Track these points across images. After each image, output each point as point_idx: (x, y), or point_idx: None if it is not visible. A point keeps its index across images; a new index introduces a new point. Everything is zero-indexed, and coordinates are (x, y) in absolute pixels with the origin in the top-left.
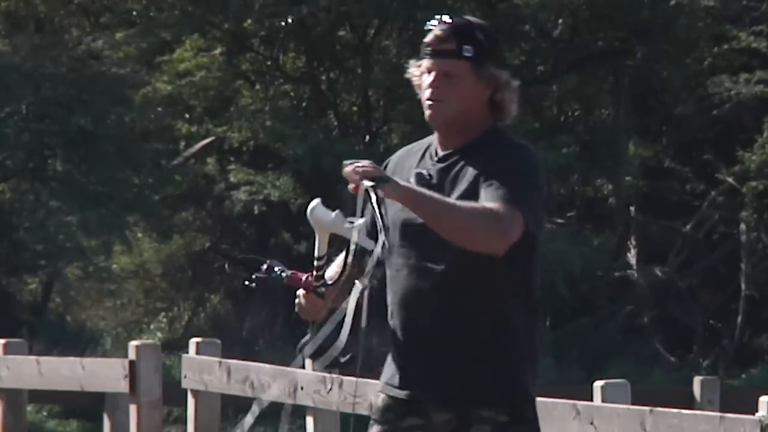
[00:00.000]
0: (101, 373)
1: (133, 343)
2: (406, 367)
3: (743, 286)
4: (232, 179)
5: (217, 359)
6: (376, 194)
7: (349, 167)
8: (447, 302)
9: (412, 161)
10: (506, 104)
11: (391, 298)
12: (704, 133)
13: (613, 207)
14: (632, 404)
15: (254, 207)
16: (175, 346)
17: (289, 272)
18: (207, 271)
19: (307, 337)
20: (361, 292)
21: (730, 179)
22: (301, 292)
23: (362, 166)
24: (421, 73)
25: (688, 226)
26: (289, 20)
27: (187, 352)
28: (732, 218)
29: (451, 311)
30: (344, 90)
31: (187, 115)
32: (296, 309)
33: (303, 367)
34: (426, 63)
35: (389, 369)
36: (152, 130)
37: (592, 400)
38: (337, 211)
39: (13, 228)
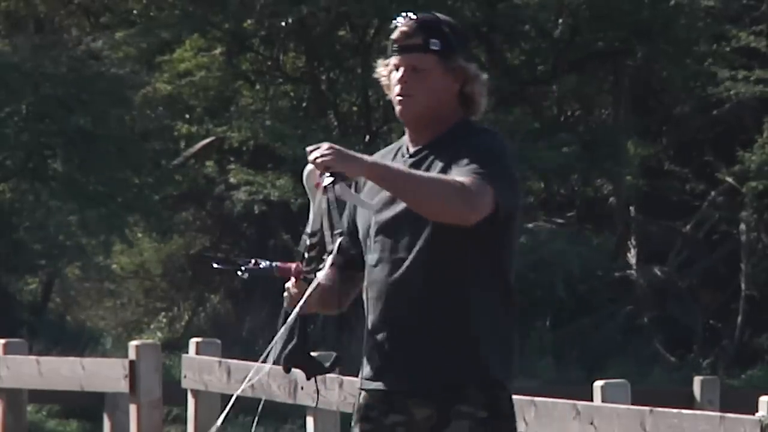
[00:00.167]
0: (101, 373)
1: (133, 343)
2: (385, 361)
3: (743, 286)
4: (231, 179)
5: (217, 359)
6: (334, 192)
7: (311, 157)
8: (421, 293)
9: (386, 162)
10: (476, 97)
11: (367, 294)
12: (704, 133)
13: (613, 207)
14: (632, 404)
15: (254, 207)
16: (175, 346)
17: (278, 263)
18: (207, 271)
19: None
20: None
21: (730, 179)
22: (290, 283)
23: (321, 156)
24: (389, 72)
25: (688, 226)
26: (289, 20)
27: (187, 352)
28: (732, 218)
29: (425, 302)
30: (344, 90)
31: (187, 115)
32: (285, 303)
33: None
34: (393, 60)
35: (367, 365)
36: (152, 130)
37: (592, 400)
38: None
39: (13, 228)
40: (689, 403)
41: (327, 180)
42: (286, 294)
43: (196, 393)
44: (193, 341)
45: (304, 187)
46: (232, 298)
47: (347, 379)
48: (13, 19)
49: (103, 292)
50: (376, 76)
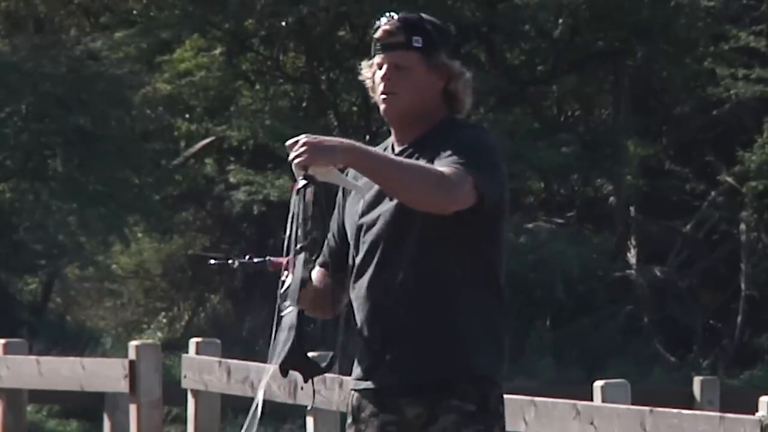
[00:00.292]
0: (101, 373)
1: (133, 343)
2: (374, 360)
3: (743, 286)
4: (231, 179)
5: (217, 359)
6: (305, 196)
7: (289, 158)
8: (409, 291)
9: (365, 147)
10: (460, 95)
11: (355, 294)
12: (704, 134)
13: (613, 207)
14: (632, 404)
15: (253, 207)
16: (175, 346)
17: (270, 258)
18: (207, 271)
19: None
20: (298, 316)
21: (730, 179)
22: (283, 277)
23: (297, 154)
24: (373, 72)
25: (688, 226)
26: (289, 20)
27: (187, 352)
28: (732, 218)
29: (414, 300)
30: (344, 90)
31: (187, 115)
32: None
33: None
34: (377, 58)
35: (358, 365)
36: (152, 130)
37: (592, 400)
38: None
39: (13, 228)
40: (689, 403)
41: (300, 183)
42: (279, 290)
43: (196, 393)
44: (193, 341)
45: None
46: (232, 298)
47: (347, 379)
48: (13, 19)
49: (103, 292)
50: (361, 78)
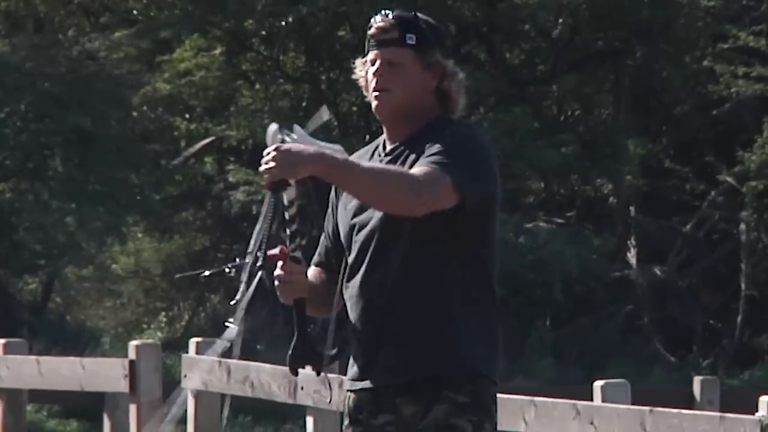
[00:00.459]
0: (101, 373)
1: (133, 342)
2: (368, 359)
3: (743, 286)
4: (231, 179)
5: (217, 359)
6: (275, 199)
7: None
8: (401, 290)
9: (364, 161)
10: (453, 94)
11: (348, 293)
12: (704, 133)
13: (613, 207)
14: (632, 404)
15: (252, 207)
16: (175, 345)
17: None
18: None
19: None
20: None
21: (730, 179)
22: (278, 270)
23: (267, 167)
24: (366, 70)
25: (688, 226)
26: (289, 20)
27: (187, 352)
28: (732, 218)
29: (406, 299)
30: (344, 90)
31: (187, 115)
32: (278, 294)
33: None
34: (370, 55)
35: (353, 365)
36: (152, 130)
37: (592, 400)
38: (296, 127)
39: (12, 228)
40: (689, 403)
41: (269, 188)
42: (276, 283)
43: (196, 393)
44: (193, 341)
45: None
46: (232, 298)
47: (348, 377)
48: (13, 19)
49: (103, 292)
50: (355, 77)
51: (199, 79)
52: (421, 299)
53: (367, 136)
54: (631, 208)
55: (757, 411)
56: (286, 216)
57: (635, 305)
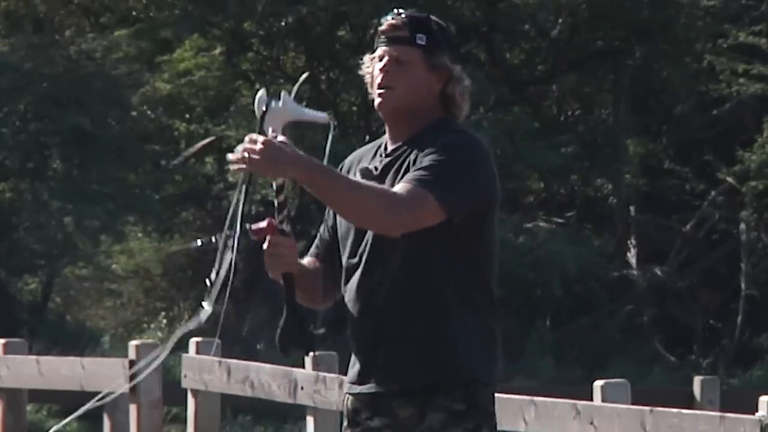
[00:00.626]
0: (101, 373)
1: (133, 342)
2: (365, 363)
3: (743, 285)
4: (230, 179)
5: (217, 359)
6: (247, 187)
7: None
8: (398, 294)
9: (364, 162)
10: (457, 99)
11: (347, 296)
12: (704, 133)
13: (612, 207)
14: (632, 404)
15: (252, 207)
16: (175, 345)
17: (251, 225)
18: (207, 271)
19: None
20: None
21: (730, 179)
22: (266, 243)
23: (250, 156)
24: (373, 66)
25: (688, 226)
26: (289, 20)
27: (187, 352)
28: (732, 218)
29: (402, 303)
30: (344, 90)
31: (187, 115)
32: (267, 269)
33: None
34: (378, 51)
35: (351, 369)
36: (152, 130)
37: (592, 399)
38: (283, 93)
39: (12, 228)
40: (689, 403)
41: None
42: (265, 259)
43: (196, 393)
44: (193, 341)
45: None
46: (232, 298)
47: (347, 378)
48: (13, 19)
49: (103, 292)
50: (361, 72)
51: (198, 79)
52: (418, 300)
53: (367, 137)
54: (631, 208)
55: (757, 411)
56: (274, 186)
57: (635, 305)
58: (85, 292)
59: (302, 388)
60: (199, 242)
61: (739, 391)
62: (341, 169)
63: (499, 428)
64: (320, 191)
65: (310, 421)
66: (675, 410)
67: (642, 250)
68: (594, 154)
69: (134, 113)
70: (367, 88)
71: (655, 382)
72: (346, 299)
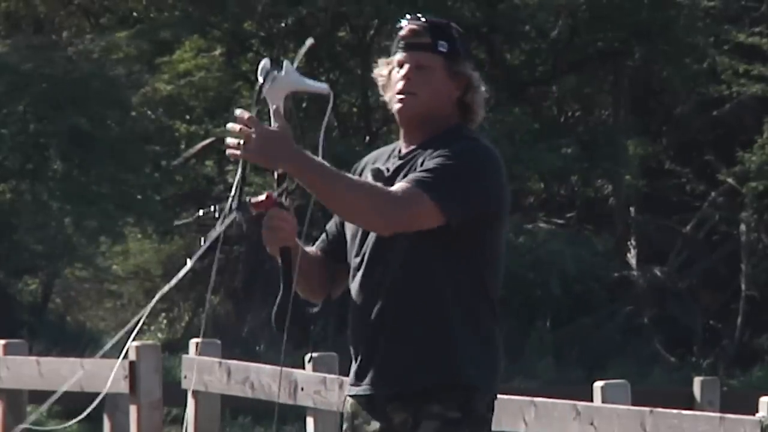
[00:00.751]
0: (101, 374)
1: (133, 343)
2: (364, 364)
3: (743, 286)
4: (231, 180)
5: (217, 360)
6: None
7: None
8: (398, 298)
9: (378, 163)
10: (474, 107)
11: (351, 295)
12: (704, 134)
13: (613, 207)
14: (632, 405)
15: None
16: (175, 346)
17: (251, 199)
18: (207, 272)
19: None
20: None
21: (730, 180)
22: (266, 217)
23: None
24: (390, 70)
25: (688, 227)
26: (289, 21)
27: (187, 353)
28: (732, 219)
29: (402, 307)
30: (344, 90)
31: (187, 116)
32: (264, 244)
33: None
34: (398, 56)
35: (351, 369)
36: (152, 131)
37: (592, 400)
38: (286, 63)
39: (12, 228)
40: (689, 403)
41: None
42: (264, 234)
43: (196, 393)
44: (193, 342)
45: (302, 189)
46: (232, 299)
47: (347, 379)
48: (13, 20)
49: (103, 293)
50: (374, 74)
51: (198, 80)
52: (416, 301)
53: (367, 137)
54: (631, 209)
55: (757, 411)
56: None
57: (635, 306)
58: (85, 293)
59: (302, 389)
60: (200, 212)
61: (739, 392)
62: (356, 169)
63: (499, 428)
64: (312, 186)
65: (310, 421)
66: (675, 411)
67: (642, 250)
68: (594, 155)
69: (134, 114)
70: (367, 90)
71: (655, 382)
72: (351, 298)
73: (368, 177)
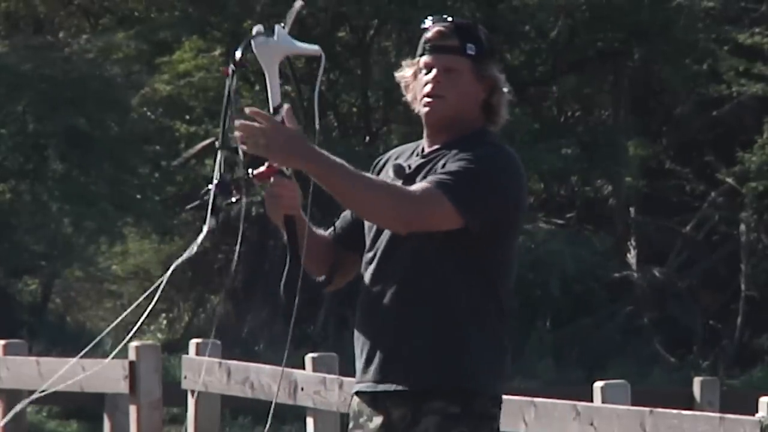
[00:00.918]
0: (101, 374)
1: (133, 344)
2: (368, 360)
3: (743, 286)
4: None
5: (217, 360)
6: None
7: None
8: (406, 296)
9: (401, 159)
10: (499, 109)
11: (362, 288)
12: (704, 134)
13: (612, 208)
14: (632, 405)
15: (252, 209)
16: (175, 347)
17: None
18: (207, 272)
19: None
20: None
21: (730, 180)
22: (268, 188)
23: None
24: (415, 72)
25: (688, 227)
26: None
27: (187, 353)
28: (732, 219)
29: (410, 304)
30: (344, 90)
31: (187, 116)
32: (267, 212)
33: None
34: (425, 59)
35: (357, 367)
36: (152, 132)
37: (592, 400)
38: (277, 28)
39: (12, 229)
40: (689, 403)
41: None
42: (266, 202)
43: (196, 394)
44: (193, 342)
45: (303, 189)
46: (232, 299)
47: (347, 380)
48: (13, 20)
49: (103, 293)
50: (398, 76)
51: (198, 81)
52: (424, 300)
53: (367, 137)
54: (631, 209)
55: (757, 412)
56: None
57: (635, 306)
58: (85, 293)
59: (302, 389)
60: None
61: (739, 392)
62: (377, 164)
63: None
64: (331, 184)
65: (309, 422)
66: (675, 411)
67: (642, 251)
68: (594, 155)
69: (134, 114)
70: (367, 90)
71: (655, 383)
72: (361, 293)
73: (390, 172)
